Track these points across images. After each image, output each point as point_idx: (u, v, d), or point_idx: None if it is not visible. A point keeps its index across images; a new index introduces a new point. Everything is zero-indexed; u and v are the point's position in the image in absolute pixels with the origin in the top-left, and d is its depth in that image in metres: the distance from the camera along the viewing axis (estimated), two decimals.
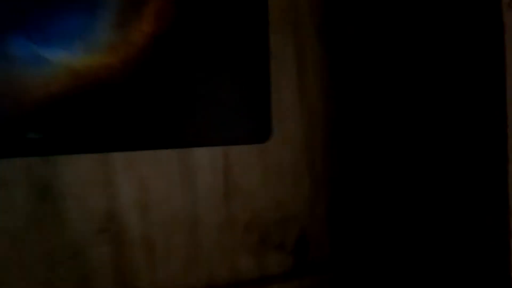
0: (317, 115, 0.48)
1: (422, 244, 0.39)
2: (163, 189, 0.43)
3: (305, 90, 0.48)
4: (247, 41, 0.44)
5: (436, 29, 0.35)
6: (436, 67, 0.35)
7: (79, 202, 0.39)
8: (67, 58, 0.39)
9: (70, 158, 0.40)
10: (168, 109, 0.41)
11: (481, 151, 0.31)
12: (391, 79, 0.46)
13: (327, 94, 0.48)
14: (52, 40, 0.39)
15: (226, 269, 0.42)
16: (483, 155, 0.30)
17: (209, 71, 0.43)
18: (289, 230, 0.44)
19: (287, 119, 0.46)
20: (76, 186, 0.39)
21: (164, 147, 0.42)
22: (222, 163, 0.45)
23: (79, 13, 0.39)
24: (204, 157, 0.44)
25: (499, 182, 0.29)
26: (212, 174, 0.44)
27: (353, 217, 0.47)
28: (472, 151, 0.32)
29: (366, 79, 0.49)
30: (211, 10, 0.43)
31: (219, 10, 0.43)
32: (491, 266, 0.31)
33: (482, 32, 0.30)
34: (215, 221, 0.42)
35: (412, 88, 0.39)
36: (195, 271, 0.43)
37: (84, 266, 0.37)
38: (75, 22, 0.39)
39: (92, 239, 0.40)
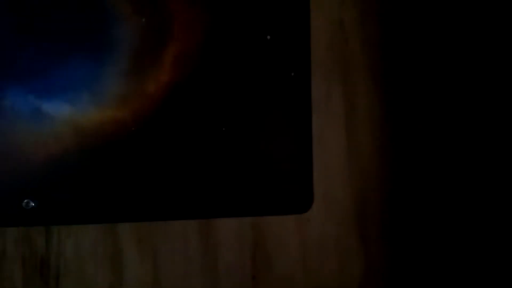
0: (370, 177, 0.40)
1: None
2: (178, 267, 0.35)
3: (355, 147, 0.40)
4: (284, 91, 0.37)
5: None
6: None
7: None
8: (72, 113, 0.34)
9: (70, 229, 0.34)
10: (186, 171, 0.35)
11: None
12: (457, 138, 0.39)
13: (382, 151, 0.40)
14: (55, 92, 0.34)
15: None
16: None
17: (235, 125, 0.36)
18: None
19: (333, 183, 0.39)
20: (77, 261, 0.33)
21: (182, 218, 0.36)
22: (251, 237, 0.37)
23: (86, 60, 0.34)
24: (229, 229, 0.37)
25: None
26: (238, 250, 0.37)
27: None
28: None
29: (427, 132, 0.41)
30: (240, 53, 0.36)
31: (252, 52, 0.36)
32: None
33: None
34: None
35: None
36: None
37: None
38: (82, 71, 0.34)
39: None
